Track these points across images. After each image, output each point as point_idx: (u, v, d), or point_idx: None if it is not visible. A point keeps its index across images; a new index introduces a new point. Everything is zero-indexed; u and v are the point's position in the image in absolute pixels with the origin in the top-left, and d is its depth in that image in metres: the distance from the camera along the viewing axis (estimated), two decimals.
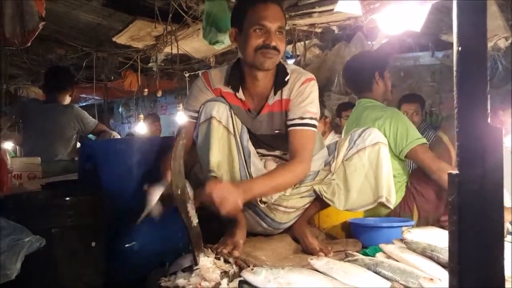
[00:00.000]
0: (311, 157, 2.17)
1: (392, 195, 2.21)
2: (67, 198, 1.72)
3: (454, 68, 0.93)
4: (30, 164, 3.01)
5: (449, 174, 0.94)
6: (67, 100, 4.16)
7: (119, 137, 4.29)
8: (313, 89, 2.18)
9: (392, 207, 2.24)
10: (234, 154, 2.10)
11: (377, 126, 2.66)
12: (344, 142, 2.24)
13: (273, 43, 2.05)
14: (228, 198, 1.77)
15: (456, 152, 0.93)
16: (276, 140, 2.25)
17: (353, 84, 3.27)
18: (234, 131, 2.11)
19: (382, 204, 2.22)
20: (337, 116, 5.43)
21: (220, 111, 2.07)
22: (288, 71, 2.20)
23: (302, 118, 2.13)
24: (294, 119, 2.15)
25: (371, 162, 2.17)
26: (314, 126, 2.16)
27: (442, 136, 2.85)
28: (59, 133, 4.01)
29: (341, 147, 2.23)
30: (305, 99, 2.15)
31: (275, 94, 2.18)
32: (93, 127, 4.14)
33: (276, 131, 2.23)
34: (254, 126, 2.22)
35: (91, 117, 4.23)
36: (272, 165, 2.28)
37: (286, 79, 2.18)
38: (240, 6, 2.22)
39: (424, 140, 2.76)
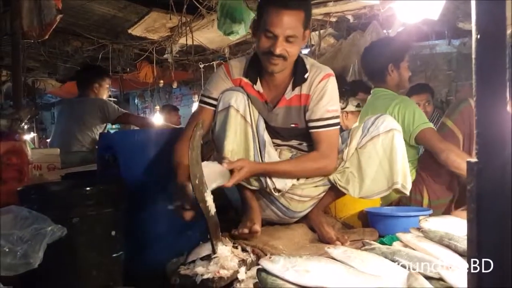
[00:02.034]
0: (336, 155, 2.19)
1: (408, 181, 2.22)
2: (88, 188, 1.74)
3: (473, 56, 0.93)
4: (49, 155, 3.06)
5: (468, 162, 0.94)
6: (101, 94, 4.31)
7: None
8: (332, 85, 2.18)
9: (407, 193, 2.25)
10: (250, 143, 2.11)
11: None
12: (358, 130, 2.24)
13: (278, 51, 2.01)
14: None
15: (475, 140, 0.93)
16: (291, 132, 2.26)
17: (368, 73, 3.31)
18: (251, 121, 2.13)
19: (398, 191, 2.23)
20: None
21: (238, 100, 2.08)
22: (307, 66, 2.19)
23: (323, 119, 2.15)
24: (315, 120, 2.16)
25: (385, 149, 2.18)
26: (336, 124, 2.18)
27: (446, 121, 2.86)
28: (83, 122, 4.13)
29: (354, 135, 2.23)
30: (324, 96, 2.15)
31: (292, 89, 2.19)
32: (117, 115, 4.22)
33: (292, 125, 2.24)
34: (270, 118, 2.23)
35: (117, 106, 4.33)
36: (287, 155, 2.30)
37: (305, 76, 2.18)
38: (262, 1, 2.16)
39: (431, 125, 2.80)
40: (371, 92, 3.21)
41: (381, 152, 2.18)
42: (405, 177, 2.19)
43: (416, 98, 4.66)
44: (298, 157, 2.25)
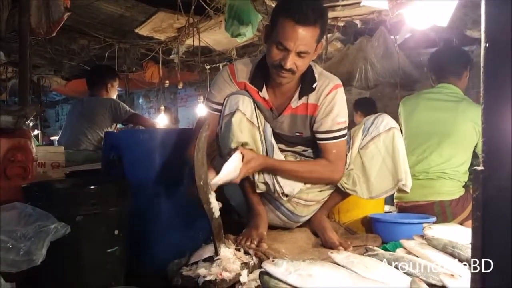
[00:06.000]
0: (344, 166, 2.20)
1: (409, 179, 2.23)
2: (92, 187, 1.75)
3: (482, 64, 0.93)
4: (53, 153, 3.06)
5: (474, 170, 0.94)
6: (112, 93, 4.40)
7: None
8: (341, 96, 2.16)
9: (408, 190, 2.26)
10: (259, 147, 2.08)
11: (476, 125, 2.76)
12: (358, 131, 2.25)
13: (288, 66, 1.96)
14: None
15: (482, 148, 0.93)
16: (296, 140, 2.26)
17: (447, 63, 3.12)
18: (258, 125, 2.11)
19: (400, 189, 2.24)
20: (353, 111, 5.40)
21: (245, 104, 2.04)
22: (316, 75, 2.15)
23: (332, 132, 2.14)
24: (324, 132, 2.15)
25: (386, 147, 2.19)
26: (344, 135, 2.17)
27: None
28: (95, 121, 4.18)
29: (355, 136, 2.24)
30: (333, 109, 2.13)
31: (299, 98, 2.16)
32: (128, 115, 4.29)
33: (297, 133, 2.22)
34: (275, 125, 2.21)
35: (128, 107, 4.39)
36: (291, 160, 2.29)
37: (313, 86, 2.14)
38: (277, 8, 2.07)
39: None
40: (437, 86, 3.09)
41: (383, 150, 2.19)
42: (406, 174, 2.22)
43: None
44: (307, 160, 2.25)
